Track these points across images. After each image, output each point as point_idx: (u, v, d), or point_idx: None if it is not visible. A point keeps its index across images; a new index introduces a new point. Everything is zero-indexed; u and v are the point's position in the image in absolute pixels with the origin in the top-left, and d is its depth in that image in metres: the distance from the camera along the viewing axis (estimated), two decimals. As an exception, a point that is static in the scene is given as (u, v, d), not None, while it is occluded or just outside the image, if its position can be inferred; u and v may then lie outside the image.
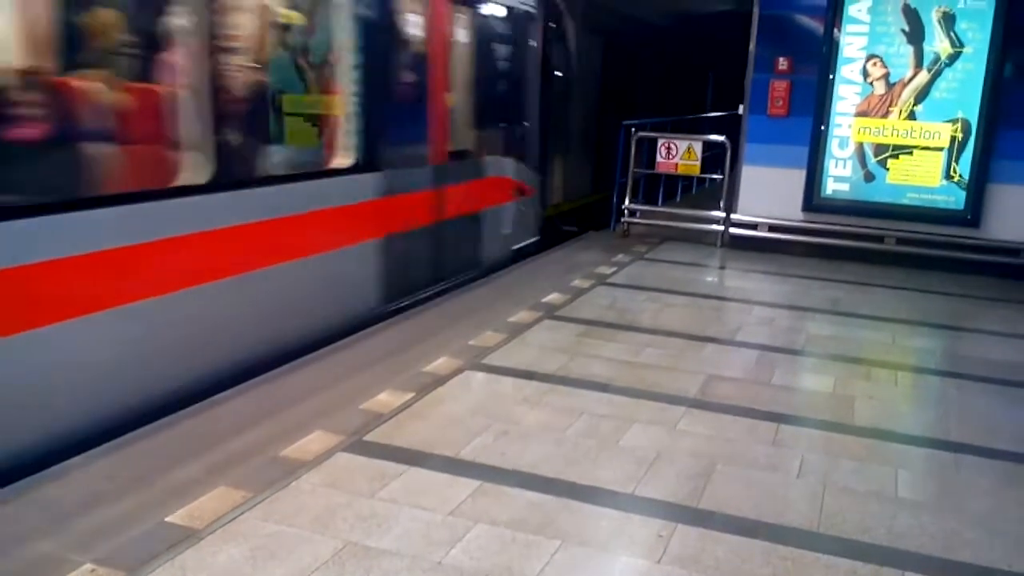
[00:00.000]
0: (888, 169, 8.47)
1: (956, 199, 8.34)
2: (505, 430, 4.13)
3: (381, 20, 5.78)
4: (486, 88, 7.38)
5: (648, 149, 9.73)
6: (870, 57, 8.34)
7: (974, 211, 8.27)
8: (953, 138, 8.24)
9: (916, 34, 8.15)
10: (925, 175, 8.39)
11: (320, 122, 5.81)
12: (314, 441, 3.89)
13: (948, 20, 8.05)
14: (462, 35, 6.93)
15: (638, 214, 9.82)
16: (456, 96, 6.89)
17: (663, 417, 4.41)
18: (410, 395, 4.50)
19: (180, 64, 4.36)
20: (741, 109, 9.13)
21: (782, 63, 8.69)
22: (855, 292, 7.51)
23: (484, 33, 7.34)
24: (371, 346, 5.38)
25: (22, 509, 3.26)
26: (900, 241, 8.51)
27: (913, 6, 8.11)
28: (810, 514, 3.48)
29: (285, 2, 5.41)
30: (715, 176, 9.56)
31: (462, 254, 7.08)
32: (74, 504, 3.28)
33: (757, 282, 7.91)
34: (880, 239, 8.57)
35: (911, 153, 8.39)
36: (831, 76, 8.45)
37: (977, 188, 8.23)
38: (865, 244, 8.60)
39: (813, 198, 8.72)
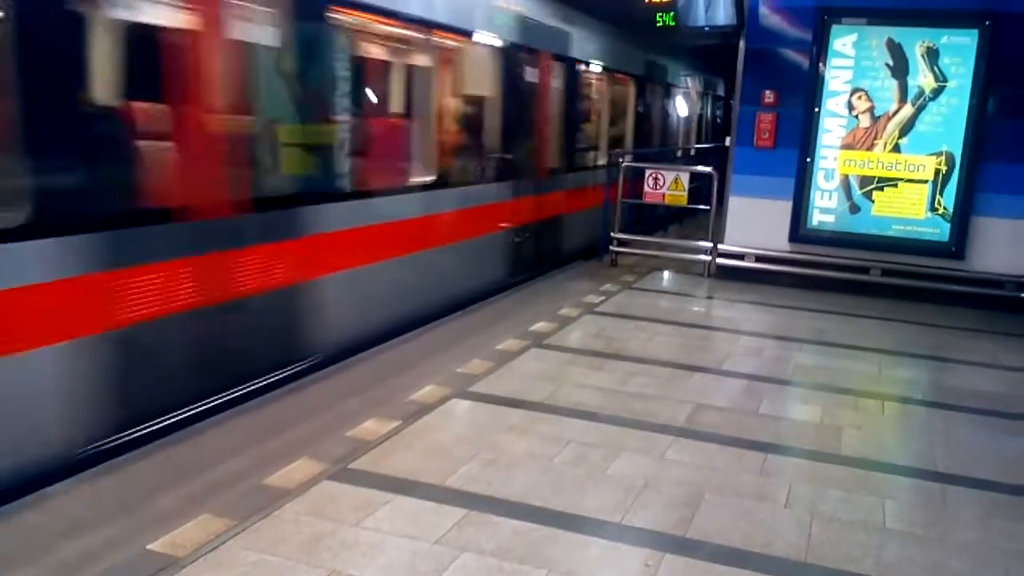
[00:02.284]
0: (873, 201, 8.55)
1: (941, 231, 8.42)
2: (492, 458, 4.11)
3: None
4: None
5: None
6: (855, 91, 8.45)
7: (958, 243, 8.34)
8: (937, 171, 8.33)
9: (900, 68, 8.27)
10: (910, 207, 8.47)
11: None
12: (299, 469, 3.85)
13: (932, 55, 8.17)
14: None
15: (626, 244, 9.87)
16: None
17: (650, 446, 4.39)
18: (396, 423, 4.47)
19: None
20: (728, 141, 9.22)
21: (768, 96, 8.78)
22: (841, 323, 7.54)
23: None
24: (357, 374, 5.35)
25: (1, 536, 3.21)
26: (885, 272, 8.56)
27: (897, 41, 8.24)
28: (798, 544, 3.47)
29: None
30: (703, 207, 9.64)
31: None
32: (55, 531, 3.24)
33: (744, 312, 7.93)
34: (866, 270, 8.63)
35: (896, 185, 8.48)
36: (816, 109, 8.55)
37: (961, 220, 8.31)
38: (851, 275, 8.65)
39: (799, 229, 8.79)
